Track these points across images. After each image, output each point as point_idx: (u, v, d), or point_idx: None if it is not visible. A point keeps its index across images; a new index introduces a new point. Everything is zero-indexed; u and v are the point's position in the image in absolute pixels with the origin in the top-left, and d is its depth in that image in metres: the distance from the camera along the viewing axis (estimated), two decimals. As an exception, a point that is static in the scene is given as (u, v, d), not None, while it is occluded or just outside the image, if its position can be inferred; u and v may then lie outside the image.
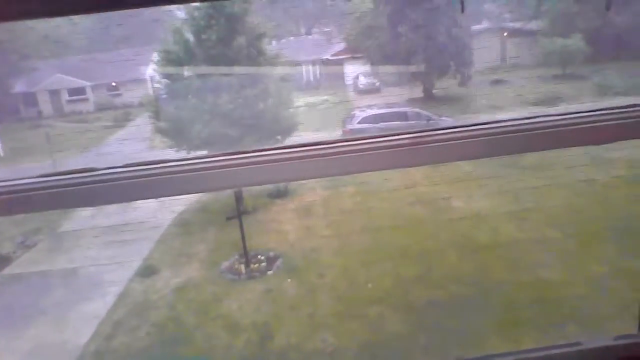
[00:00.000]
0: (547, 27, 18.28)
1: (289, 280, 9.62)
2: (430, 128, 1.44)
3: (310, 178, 1.52)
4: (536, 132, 1.45)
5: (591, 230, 10.12)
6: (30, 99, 20.07)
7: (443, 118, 15.05)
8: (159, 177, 1.38)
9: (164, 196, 1.42)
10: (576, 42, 16.64)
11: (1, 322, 9.08)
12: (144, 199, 1.43)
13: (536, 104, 15.90)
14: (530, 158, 11.91)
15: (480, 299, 8.66)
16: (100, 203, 1.47)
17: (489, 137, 1.44)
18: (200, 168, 1.39)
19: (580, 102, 15.85)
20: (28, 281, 10.23)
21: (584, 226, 10.34)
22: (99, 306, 9.13)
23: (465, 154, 1.49)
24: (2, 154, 16.22)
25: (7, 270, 10.55)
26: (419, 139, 1.42)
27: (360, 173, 1.46)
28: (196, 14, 12.29)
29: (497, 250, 9.95)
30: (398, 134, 1.43)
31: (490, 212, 11.17)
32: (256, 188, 12.33)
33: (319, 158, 1.40)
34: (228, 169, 1.39)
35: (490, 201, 11.68)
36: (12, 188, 1.34)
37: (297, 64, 18.52)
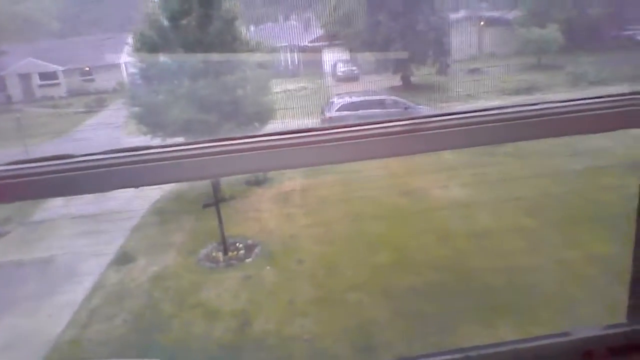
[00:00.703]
0: (524, 16, 18.47)
1: (268, 267, 9.61)
2: (408, 116, 1.42)
3: (290, 167, 1.48)
4: (520, 121, 1.45)
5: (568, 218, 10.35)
6: (-1, 83, 19.45)
7: (420, 106, 15.13)
8: (135, 165, 1.33)
9: (140, 185, 1.37)
10: (552, 32, 16.85)
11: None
12: (119, 188, 1.38)
13: (512, 93, 16.12)
14: (508, 147, 12.09)
15: (456, 285, 8.79)
16: (75, 193, 1.41)
17: (470, 127, 1.43)
18: (178, 156, 1.34)
19: (554, 91, 16.12)
20: (1, 270, 9.99)
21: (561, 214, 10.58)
22: (74, 295, 8.98)
23: (446, 144, 1.48)
24: (-30, 140, 15.70)
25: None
26: (397, 128, 1.41)
27: (340, 163, 1.43)
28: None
29: (475, 239, 10.09)
30: (375, 122, 1.40)
31: (470, 201, 11.33)
32: (233, 176, 12.22)
33: (298, 147, 1.37)
34: (206, 157, 1.35)
35: (469, 190, 11.83)
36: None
37: (275, 50, 18.32)
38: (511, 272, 8.87)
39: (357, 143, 1.37)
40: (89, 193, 1.44)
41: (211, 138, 1.36)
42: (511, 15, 19.04)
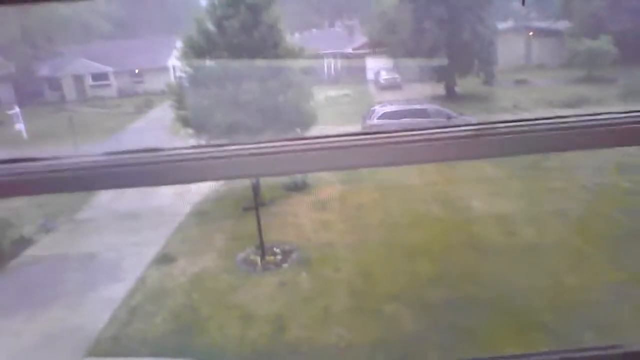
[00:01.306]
0: (575, 27, 17.93)
1: (304, 273, 9.63)
2: (448, 125, 1.42)
3: (326, 170, 1.52)
4: (557, 132, 1.43)
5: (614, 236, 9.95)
6: (54, 83, 20.34)
7: (464, 117, 14.90)
8: (176, 163, 1.40)
9: (180, 183, 1.43)
10: (604, 44, 16.30)
11: (22, 302, 9.26)
12: (160, 184, 1.45)
13: (560, 105, 15.66)
14: (552, 161, 11.77)
15: (495, 300, 8.58)
16: (124, 186, 1.50)
17: (510, 136, 1.42)
18: (219, 156, 1.40)
19: (604, 105, 15.58)
20: (48, 263, 10.40)
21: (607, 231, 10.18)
22: (116, 292, 9.25)
23: (483, 152, 1.47)
24: (25, 137, 16.48)
25: (29, 252, 10.74)
26: (436, 135, 1.41)
27: (376, 167, 1.45)
28: (217, 1, 12.32)
29: (514, 253, 9.83)
30: (414, 130, 1.42)
31: (510, 214, 11.05)
32: (273, 181, 12.35)
33: (335, 150, 1.40)
34: (245, 158, 1.40)
35: (510, 203, 11.54)
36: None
37: (319, 56, 18.45)
38: (552, 290, 8.59)
39: (394, 148, 1.39)
40: (132, 187, 1.52)
41: (251, 141, 1.42)
42: (561, 26, 18.52)
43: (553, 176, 12.06)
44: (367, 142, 1.37)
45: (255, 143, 1.38)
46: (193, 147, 1.41)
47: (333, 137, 1.39)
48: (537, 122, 1.43)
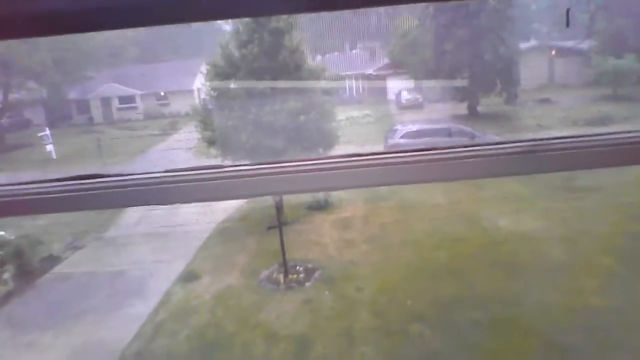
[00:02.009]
0: (599, 46, 17.80)
1: (327, 292, 9.60)
2: (470, 143, 1.45)
3: (346, 188, 1.56)
4: (578, 150, 1.44)
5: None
6: (83, 105, 20.94)
7: (488, 136, 14.82)
8: (205, 182, 1.46)
9: (207, 200, 1.50)
10: (630, 62, 16.12)
11: (51, 317, 9.43)
12: (190, 202, 1.51)
13: (585, 124, 15.47)
14: (582, 180, 11.60)
15: (522, 321, 8.40)
16: (146, 204, 1.57)
17: (531, 154, 1.44)
18: (242, 175, 1.46)
19: (631, 123, 15.32)
20: (76, 280, 10.59)
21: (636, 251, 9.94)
22: (142, 309, 9.35)
23: (505, 170, 1.49)
24: (55, 158, 16.94)
25: (57, 269, 10.96)
26: (458, 154, 1.44)
27: (397, 184, 1.48)
28: (241, 27, 12.62)
29: (541, 273, 9.65)
30: (435, 149, 1.45)
31: (537, 234, 10.87)
32: (295, 200, 12.42)
33: (357, 169, 1.44)
34: (268, 177, 1.45)
35: (536, 222, 11.36)
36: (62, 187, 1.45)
37: (341, 78, 18.64)
38: (581, 310, 8.39)
39: (414, 166, 1.43)
40: (162, 204, 1.60)
41: (274, 160, 1.48)
42: (585, 45, 18.41)
43: (582, 196, 11.86)
44: (417, 158, 1.41)
45: (278, 162, 1.44)
46: (231, 166, 1.48)
47: (349, 156, 1.43)
48: (587, 138, 1.44)
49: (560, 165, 1.47)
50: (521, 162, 1.43)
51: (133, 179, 1.47)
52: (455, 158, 1.41)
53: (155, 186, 1.46)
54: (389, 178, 1.44)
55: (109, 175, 1.50)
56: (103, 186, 1.48)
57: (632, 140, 1.44)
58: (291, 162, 1.44)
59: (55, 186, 1.50)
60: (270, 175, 1.42)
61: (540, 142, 1.45)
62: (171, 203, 1.52)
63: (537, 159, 1.42)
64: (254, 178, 1.42)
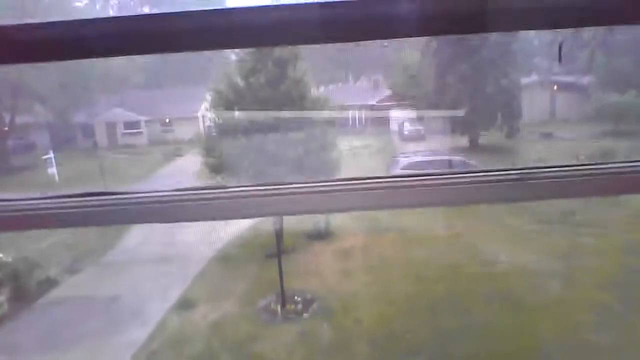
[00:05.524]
0: (599, 82, 18.00)
1: (325, 324, 9.47)
2: (467, 170, 1.51)
3: (347, 211, 1.61)
4: (568, 179, 1.49)
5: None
6: (88, 130, 21.13)
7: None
8: (209, 201, 1.50)
9: (211, 219, 1.54)
10: (631, 97, 16.28)
11: (45, 342, 9.30)
12: (195, 220, 1.54)
13: (587, 159, 15.51)
14: (581, 215, 11.57)
15: (521, 357, 8.27)
16: (151, 221, 1.61)
17: (524, 182, 1.49)
18: (246, 195, 1.50)
19: (633, 159, 15.32)
20: (71, 304, 10.49)
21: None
22: (136, 336, 9.22)
23: (497, 197, 1.54)
24: (57, 180, 17.00)
25: (54, 293, 10.87)
26: (452, 180, 1.48)
27: (396, 208, 1.53)
28: (246, 56, 12.85)
29: (541, 309, 9.53)
30: (433, 174, 1.51)
31: (535, 268, 10.79)
32: (295, 228, 12.38)
33: (357, 192, 1.48)
34: (271, 197, 1.49)
35: (535, 256, 11.29)
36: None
37: (344, 108, 18.83)
38: (583, 348, 8.25)
39: (410, 191, 1.46)
40: (160, 222, 1.63)
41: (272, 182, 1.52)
42: (586, 80, 18.61)
43: (582, 231, 11.81)
44: (408, 183, 1.44)
45: (275, 184, 1.47)
46: (235, 186, 1.51)
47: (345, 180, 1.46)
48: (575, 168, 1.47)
49: (551, 193, 1.51)
50: (518, 188, 1.48)
51: (138, 197, 1.51)
52: (451, 184, 1.45)
53: (160, 204, 1.50)
54: (388, 201, 1.48)
55: (114, 193, 1.53)
56: (108, 203, 1.51)
57: (621, 170, 1.48)
58: (294, 184, 1.48)
59: (61, 202, 1.52)
60: (274, 196, 1.46)
61: (533, 171, 1.51)
62: (175, 221, 1.56)
63: (530, 185, 1.47)
64: (257, 199, 1.46)
